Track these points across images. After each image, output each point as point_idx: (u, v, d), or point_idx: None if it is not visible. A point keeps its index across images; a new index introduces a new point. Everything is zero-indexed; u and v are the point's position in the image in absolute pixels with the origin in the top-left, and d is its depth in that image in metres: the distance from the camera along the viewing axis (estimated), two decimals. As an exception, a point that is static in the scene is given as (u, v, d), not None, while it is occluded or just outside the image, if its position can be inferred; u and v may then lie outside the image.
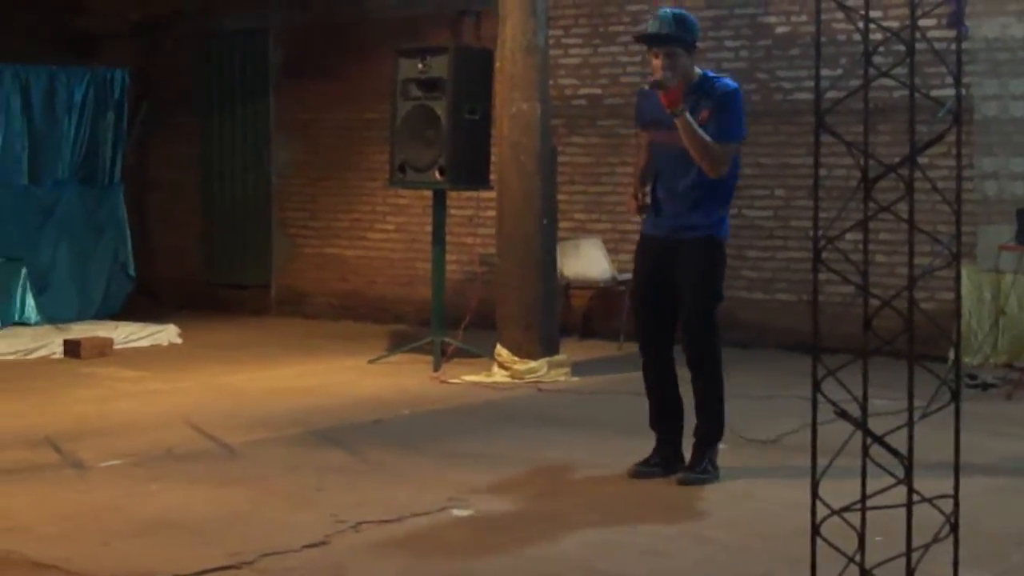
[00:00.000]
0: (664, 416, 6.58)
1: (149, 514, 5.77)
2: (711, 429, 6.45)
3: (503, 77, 9.62)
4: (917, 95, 4.36)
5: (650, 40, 6.47)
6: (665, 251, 6.45)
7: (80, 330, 11.25)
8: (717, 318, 6.44)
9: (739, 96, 6.45)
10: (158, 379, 9.54)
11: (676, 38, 6.35)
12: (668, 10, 6.52)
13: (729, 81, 6.50)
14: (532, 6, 9.52)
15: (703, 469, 6.37)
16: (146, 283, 13.48)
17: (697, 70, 6.48)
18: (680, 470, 6.43)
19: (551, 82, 10.23)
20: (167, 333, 11.51)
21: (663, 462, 6.50)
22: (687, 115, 6.22)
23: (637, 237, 6.71)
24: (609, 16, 11.84)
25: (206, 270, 14.14)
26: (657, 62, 6.36)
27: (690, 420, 6.54)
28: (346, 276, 13.35)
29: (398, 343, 10.87)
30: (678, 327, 6.48)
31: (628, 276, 11.19)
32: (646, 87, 6.53)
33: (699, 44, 6.53)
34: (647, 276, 6.55)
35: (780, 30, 11.02)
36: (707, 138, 6.26)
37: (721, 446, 6.55)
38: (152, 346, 11.22)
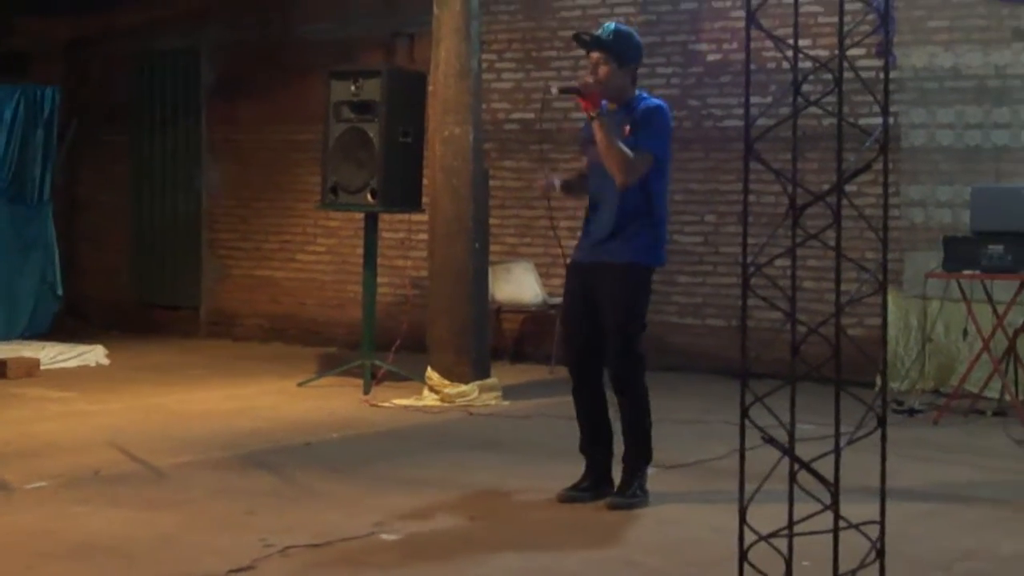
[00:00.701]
0: (593, 440, 6.59)
1: (76, 537, 5.71)
2: (638, 453, 6.46)
3: (436, 100, 9.63)
4: (845, 124, 4.41)
5: (581, 42, 6.64)
6: (589, 275, 6.47)
7: (7, 350, 11.13)
8: (641, 343, 6.46)
9: (662, 113, 6.44)
10: (86, 400, 9.46)
11: (605, 46, 6.43)
12: (614, 24, 6.62)
13: (656, 100, 6.54)
14: (466, 30, 9.55)
15: (632, 493, 6.38)
16: (74, 303, 13.37)
17: (634, 91, 6.52)
18: (609, 495, 6.44)
19: (484, 106, 10.27)
20: (95, 354, 11.41)
21: (592, 487, 6.51)
22: (604, 117, 6.27)
23: (568, 261, 6.73)
24: (542, 41, 11.90)
25: (136, 291, 14.04)
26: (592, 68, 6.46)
27: (619, 444, 6.56)
28: (277, 298, 13.29)
29: (328, 366, 10.83)
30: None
31: (559, 300, 11.26)
32: (554, 89, 6.64)
33: (635, 65, 6.53)
34: (574, 300, 6.57)
35: (711, 58, 11.12)
36: (621, 144, 6.27)
37: (650, 470, 6.56)
38: (80, 367, 11.12)
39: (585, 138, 6.63)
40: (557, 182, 6.73)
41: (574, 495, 6.48)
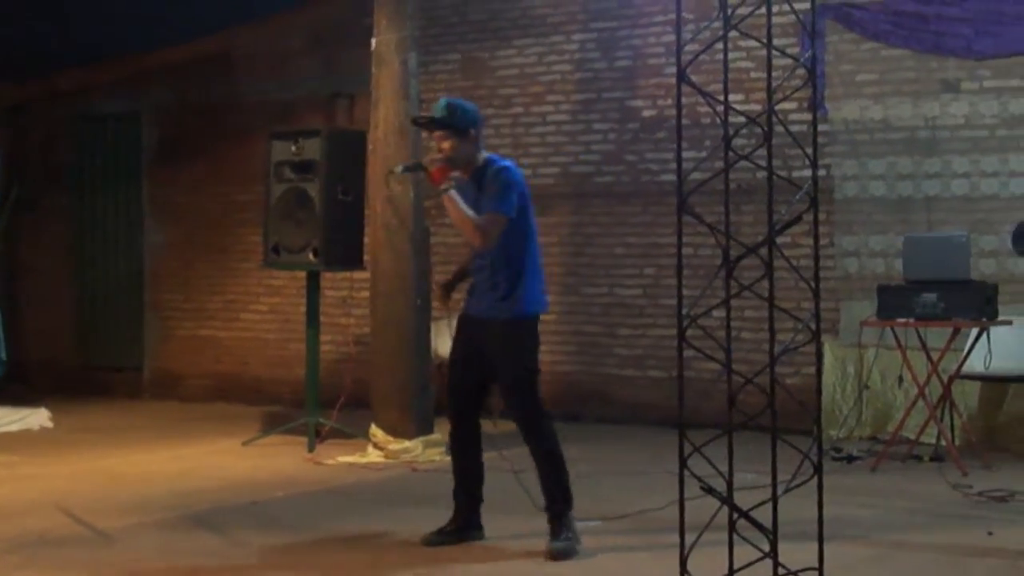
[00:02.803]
0: (463, 483, 6.79)
1: (21, 601, 5.71)
2: (557, 498, 6.58)
3: (376, 159, 9.70)
4: (777, 177, 4.53)
5: (418, 124, 7.07)
6: (477, 329, 6.69)
7: (-51, 415, 11.08)
8: (537, 391, 6.61)
9: (507, 172, 6.60)
10: (30, 464, 9.42)
11: (442, 123, 6.62)
12: (445, 99, 6.83)
13: (504, 161, 6.72)
14: (405, 90, 9.64)
15: (565, 537, 6.49)
16: (17, 367, 13.29)
17: (483, 155, 6.70)
18: (476, 539, 6.70)
19: (424, 164, 10.33)
20: (38, 417, 11.36)
21: (458, 530, 6.73)
22: (451, 192, 6.47)
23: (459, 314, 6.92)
24: (480, 100, 11.95)
25: (79, 353, 13.99)
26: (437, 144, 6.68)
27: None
28: (220, 358, 13.29)
29: (272, 424, 10.83)
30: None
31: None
32: (397, 169, 6.93)
33: (475, 131, 6.68)
34: (459, 350, 6.79)
35: (647, 113, 11.27)
36: (469, 212, 6.47)
37: (592, 523, 6.63)
38: (23, 430, 11.07)
39: None
40: (441, 287, 7.00)
41: (438, 538, 6.69)
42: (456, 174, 6.63)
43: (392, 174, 7.18)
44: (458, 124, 6.62)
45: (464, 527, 6.74)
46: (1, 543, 6.77)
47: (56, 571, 6.23)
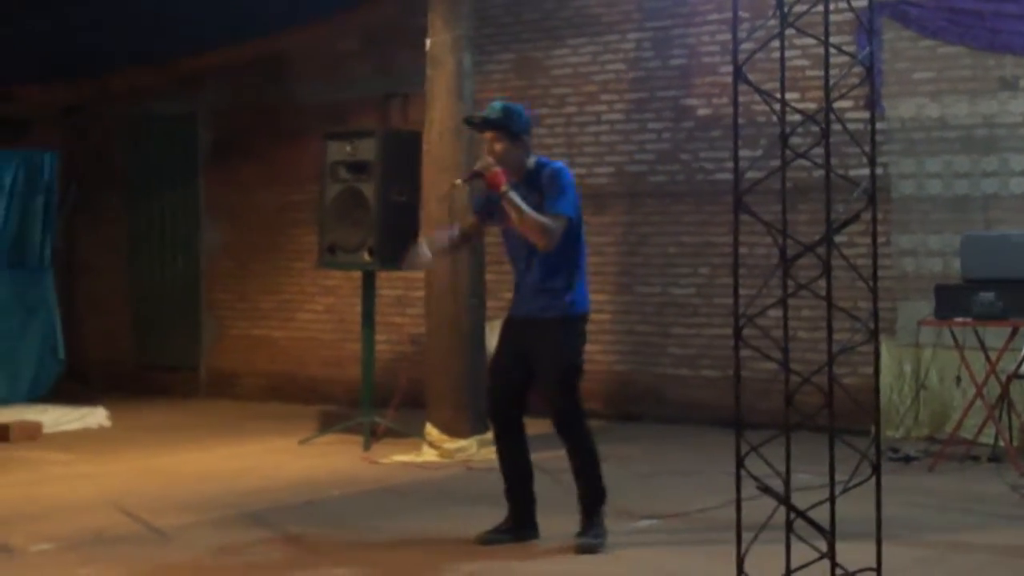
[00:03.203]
0: (512, 483, 6.81)
1: (81, 598, 5.75)
2: (590, 494, 6.63)
3: (430, 159, 9.73)
4: (834, 175, 4.51)
5: (471, 124, 7.07)
6: (522, 330, 6.71)
7: (9, 414, 11.16)
8: (578, 391, 6.63)
9: (564, 174, 6.63)
10: (88, 462, 9.50)
11: (495, 124, 6.66)
12: (500, 101, 6.89)
13: (556, 163, 6.74)
14: (459, 90, 9.66)
15: (595, 534, 6.54)
16: (76, 366, 13.41)
17: (532, 159, 6.72)
18: (532, 538, 6.71)
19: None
20: (96, 416, 11.45)
21: (512, 529, 6.75)
22: (511, 194, 6.47)
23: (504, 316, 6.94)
24: (534, 99, 12.00)
25: (135, 352, 14.10)
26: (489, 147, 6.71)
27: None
28: (275, 357, 13.35)
29: (328, 424, 10.87)
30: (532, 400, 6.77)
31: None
32: (458, 183, 6.92)
33: (527, 136, 6.73)
34: (503, 350, 6.83)
35: (702, 112, 11.24)
36: (534, 214, 6.46)
37: (648, 522, 6.63)
38: (82, 429, 11.15)
39: (480, 207, 6.90)
40: (453, 233, 6.97)
41: (493, 537, 6.70)
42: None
43: (455, 187, 7.18)
44: (512, 127, 6.65)
45: (518, 526, 6.76)
46: (59, 541, 6.83)
47: (113, 569, 6.28)
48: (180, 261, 13.94)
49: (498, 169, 6.53)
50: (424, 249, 6.82)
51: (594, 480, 6.66)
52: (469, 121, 7.10)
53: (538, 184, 6.61)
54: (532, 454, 6.87)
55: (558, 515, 6.88)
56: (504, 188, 6.47)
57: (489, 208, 6.75)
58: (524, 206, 6.46)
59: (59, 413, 11.36)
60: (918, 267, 10.29)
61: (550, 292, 6.61)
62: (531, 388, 6.74)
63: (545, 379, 6.63)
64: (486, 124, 6.72)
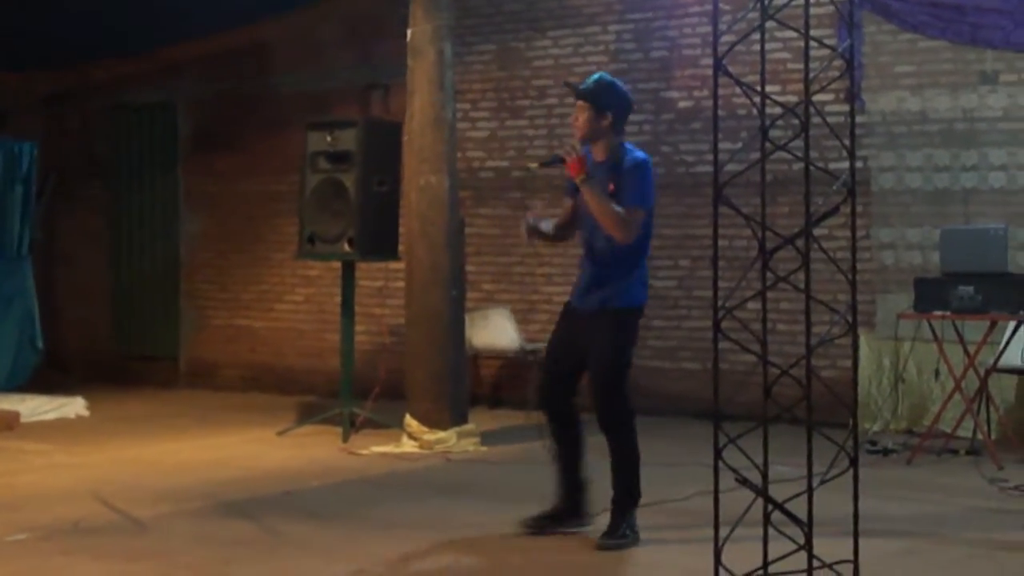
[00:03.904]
0: (560, 470, 6.74)
1: (57, 589, 5.73)
2: (626, 494, 6.54)
3: (411, 150, 9.71)
4: (813, 168, 4.51)
5: (567, 85, 7.06)
6: (578, 319, 6.65)
7: (-13, 403, 11.15)
8: (626, 384, 6.57)
9: (645, 167, 6.58)
10: (66, 452, 9.47)
11: (585, 94, 6.64)
12: (600, 74, 6.86)
13: (639, 153, 6.66)
14: (440, 80, 9.64)
15: (621, 534, 6.45)
16: (54, 356, 13.37)
17: (618, 140, 6.66)
18: (577, 526, 6.62)
19: (459, 155, 10.35)
20: (75, 406, 11.42)
21: (558, 517, 6.70)
22: (590, 183, 6.42)
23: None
24: (515, 90, 12.01)
25: (115, 342, 14.07)
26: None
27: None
28: (255, 348, 13.33)
29: (307, 414, 10.85)
30: (582, 390, 6.69)
31: (537, 346, 11.33)
32: (534, 166, 6.83)
33: (614, 115, 6.64)
34: (559, 341, 6.76)
35: (682, 104, 11.24)
36: (613, 206, 6.41)
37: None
38: (60, 419, 11.13)
39: (569, 187, 6.79)
40: (546, 226, 6.85)
41: (537, 523, 6.67)
42: (589, 159, 6.58)
43: (530, 169, 7.13)
44: (598, 102, 6.60)
45: (564, 515, 6.70)
46: (37, 530, 6.81)
47: (91, 559, 6.26)
48: (160, 251, 13.90)
49: (579, 156, 6.49)
50: (537, 223, 6.79)
51: (628, 480, 6.55)
52: (567, 83, 7.10)
53: (619, 170, 6.54)
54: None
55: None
56: (582, 176, 6.44)
57: (573, 186, 6.69)
58: (603, 197, 6.43)
59: (37, 403, 11.34)
60: (897, 260, 10.32)
61: (609, 284, 6.57)
62: (582, 376, 6.66)
63: (593, 373, 6.57)
64: (574, 91, 6.73)
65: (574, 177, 6.49)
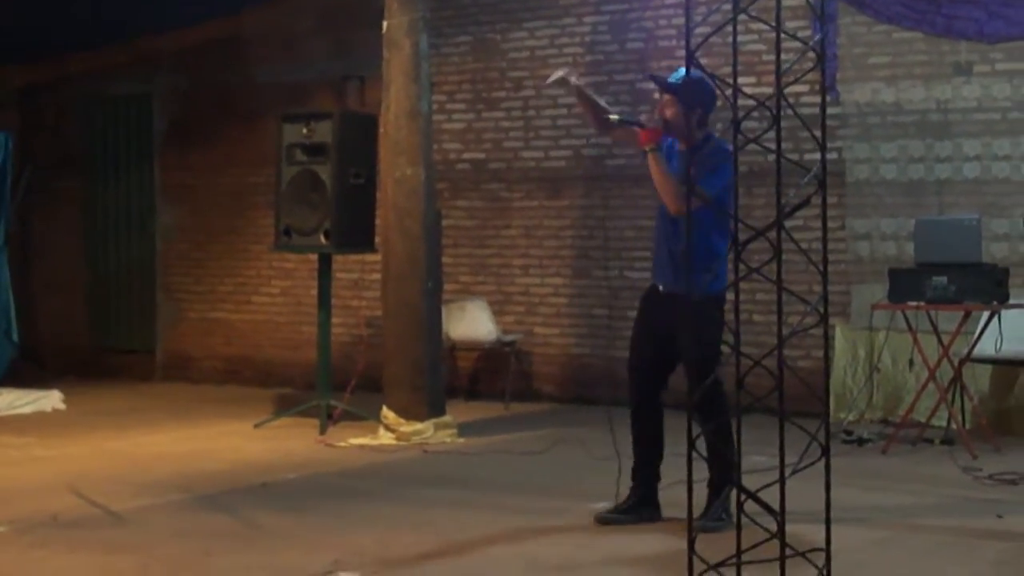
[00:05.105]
0: (644, 463, 6.78)
1: (34, 582, 5.74)
2: (720, 479, 6.53)
3: (387, 142, 9.72)
4: (788, 160, 4.54)
5: (652, 78, 7.24)
6: (663, 305, 6.73)
7: (-38, 397, 11.13)
8: (718, 371, 6.58)
9: (723, 153, 6.47)
10: (42, 445, 9.46)
11: (672, 89, 6.74)
12: (684, 69, 6.79)
13: (723, 142, 6.62)
14: (416, 72, 9.65)
15: (716, 516, 6.40)
16: (30, 349, 13.35)
17: (703, 133, 6.72)
18: (651, 519, 6.68)
19: (435, 147, 10.36)
20: (51, 399, 11.41)
21: (633, 508, 6.74)
22: (656, 153, 6.57)
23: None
24: (492, 82, 12.02)
25: (91, 335, 14.04)
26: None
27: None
28: (231, 340, 13.33)
29: (284, 407, 10.87)
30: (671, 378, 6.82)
31: (513, 337, 11.37)
32: (615, 117, 6.90)
33: (701, 111, 6.71)
34: (644, 325, 6.87)
35: (658, 96, 11.22)
36: (671, 175, 6.52)
37: (604, 504, 6.66)
38: (36, 412, 11.11)
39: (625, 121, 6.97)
40: (574, 79, 6.90)
41: (613, 517, 6.70)
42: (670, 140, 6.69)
43: (607, 120, 7.10)
44: (683, 97, 6.63)
45: (639, 504, 6.74)
46: (15, 524, 6.81)
47: (69, 552, 6.27)
48: (136, 243, 13.88)
49: (655, 128, 6.61)
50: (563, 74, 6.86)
51: (723, 464, 6.41)
52: (651, 75, 7.27)
53: (699, 157, 6.50)
54: None
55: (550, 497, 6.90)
56: (649, 147, 6.55)
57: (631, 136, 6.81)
58: (663, 166, 6.53)
59: (13, 396, 11.32)
60: (873, 251, 10.36)
61: (692, 272, 6.53)
62: (670, 364, 6.74)
63: (683, 359, 6.62)
64: (662, 85, 6.82)
65: (643, 144, 6.61)
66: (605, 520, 6.69)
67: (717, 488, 6.57)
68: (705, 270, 6.47)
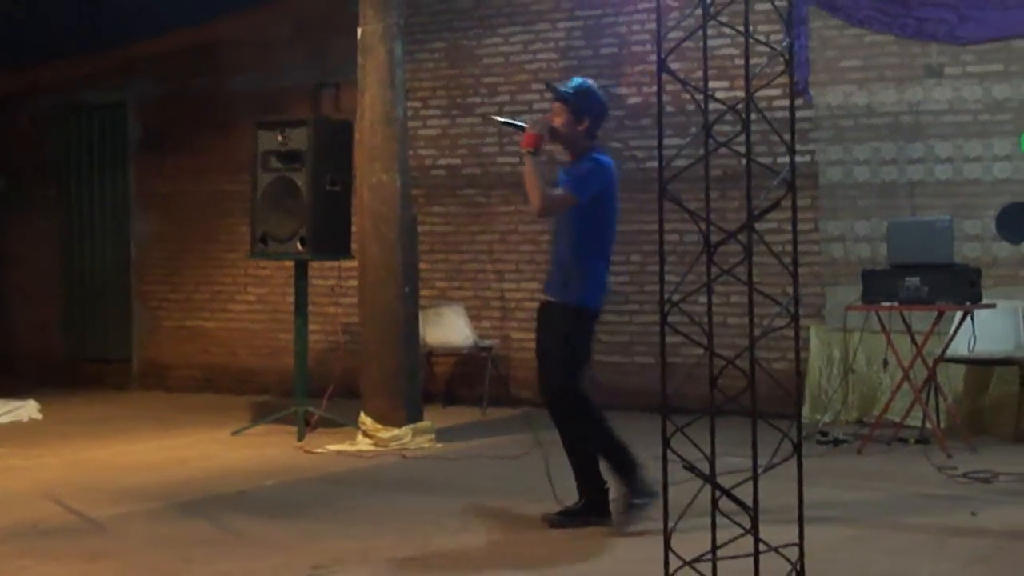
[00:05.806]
0: (617, 467, 6.83)
1: (14, 590, 5.74)
2: (585, 481, 6.77)
3: (362, 148, 9.74)
4: (759, 163, 4.59)
5: (547, 86, 7.20)
6: (540, 311, 6.88)
7: (-63, 408, 11.11)
8: (574, 381, 6.65)
9: (598, 163, 6.69)
10: (20, 455, 9.45)
11: (562, 97, 6.79)
12: (581, 79, 6.98)
13: (602, 157, 6.77)
14: (391, 78, 9.67)
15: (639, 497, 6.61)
16: (5, 359, 13.33)
17: (589, 145, 6.78)
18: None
19: (410, 153, 10.39)
20: (27, 409, 11.39)
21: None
22: (530, 156, 6.62)
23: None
24: (467, 88, 12.06)
25: (67, 345, 14.03)
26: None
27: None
28: (208, 348, 13.33)
29: (261, 414, 10.87)
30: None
31: (490, 342, 11.40)
32: (496, 118, 7.02)
33: (590, 121, 6.78)
34: (536, 336, 6.94)
35: (632, 100, 11.32)
36: (539, 180, 6.57)
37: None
38: (12, 422, 11.09)
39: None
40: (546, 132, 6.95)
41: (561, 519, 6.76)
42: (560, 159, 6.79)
43: (490, 119, 7.23)
44: (574, 106, 6.73)
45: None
46: (-6, 533, 6.82)
47: (50, 560, 6.26)
48: (111, 252, 13.88)
49: (538, 134, 6.67)
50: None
51: (576, 468, 6.76)
52: (547, 84, 7.28)
53: (576, 166, 6.72)
54: None
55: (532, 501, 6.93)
56: (528, 149, 6.63)
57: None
58: (535, 170, 6.58)
59: (-11, 406, 11.31)
60: (846, 253, 10.43)
61: (561, 278, 6.74)
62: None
63: (537, 352, 6.82)
64: (554, 93, 6.87)
65: (522, 147, 6.67)
66: (553, 521, 6.75)
67: (595, 489, 6.70)
68: (580, 278, 6.62)
